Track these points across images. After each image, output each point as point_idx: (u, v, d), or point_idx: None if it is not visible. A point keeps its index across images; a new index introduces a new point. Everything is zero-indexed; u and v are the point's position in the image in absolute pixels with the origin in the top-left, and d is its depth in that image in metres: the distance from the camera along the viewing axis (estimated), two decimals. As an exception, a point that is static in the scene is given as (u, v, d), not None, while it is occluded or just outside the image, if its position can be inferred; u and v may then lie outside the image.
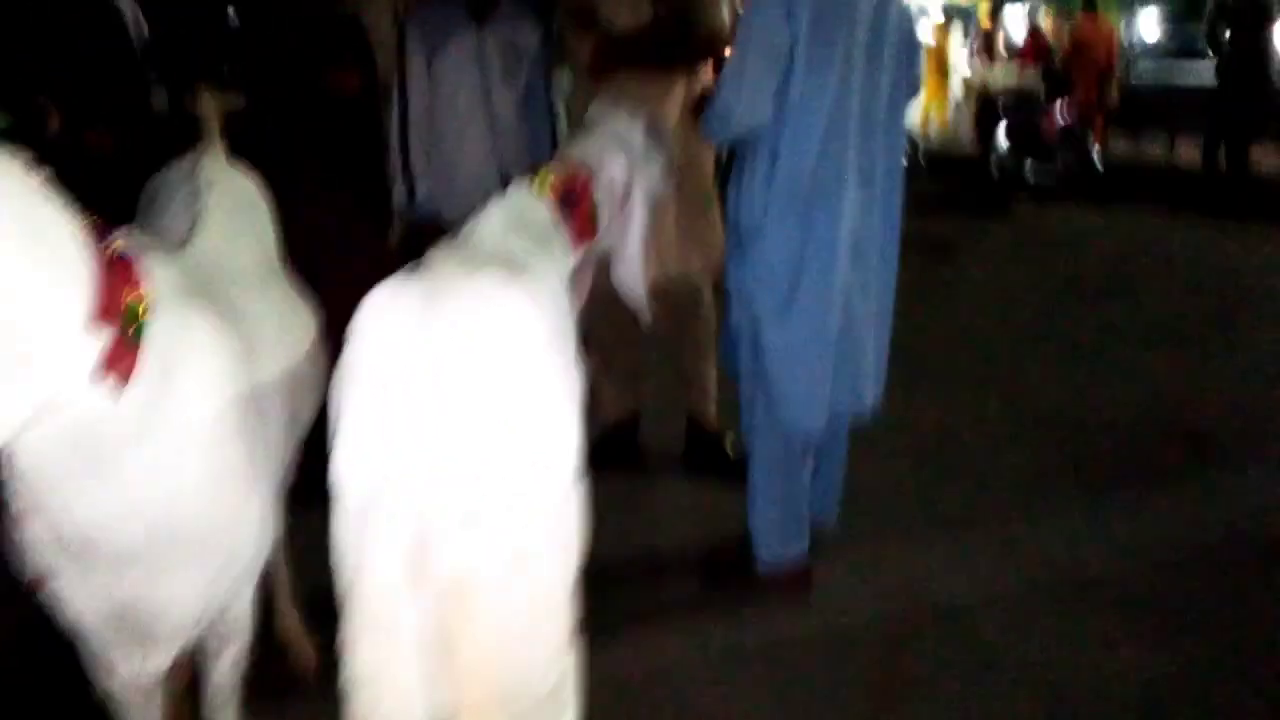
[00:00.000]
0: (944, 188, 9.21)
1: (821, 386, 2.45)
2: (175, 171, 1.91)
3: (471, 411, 1.27)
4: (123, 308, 1.22)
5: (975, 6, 14.49)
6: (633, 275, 2.12)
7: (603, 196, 1.96)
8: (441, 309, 1.29)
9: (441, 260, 1.46)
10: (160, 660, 1.48)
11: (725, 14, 3.10)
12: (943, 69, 12.51)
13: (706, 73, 3.08)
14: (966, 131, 10.92)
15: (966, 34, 13.84)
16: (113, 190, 1.78)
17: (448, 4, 3.10)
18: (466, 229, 1.71)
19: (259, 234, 1.92)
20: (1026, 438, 3.64)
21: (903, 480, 3.29)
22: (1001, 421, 3.80)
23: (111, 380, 1.21)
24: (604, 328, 3.20)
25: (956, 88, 12.96)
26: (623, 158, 2.06)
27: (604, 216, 1.97)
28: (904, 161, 2.68)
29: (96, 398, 1.20)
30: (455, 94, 3.10)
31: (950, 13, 14.06)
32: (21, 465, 1.24)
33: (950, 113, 12.80)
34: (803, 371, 2.43)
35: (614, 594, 2.50)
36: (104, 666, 1.51)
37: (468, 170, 3.11)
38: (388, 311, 1.29)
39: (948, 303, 5.48)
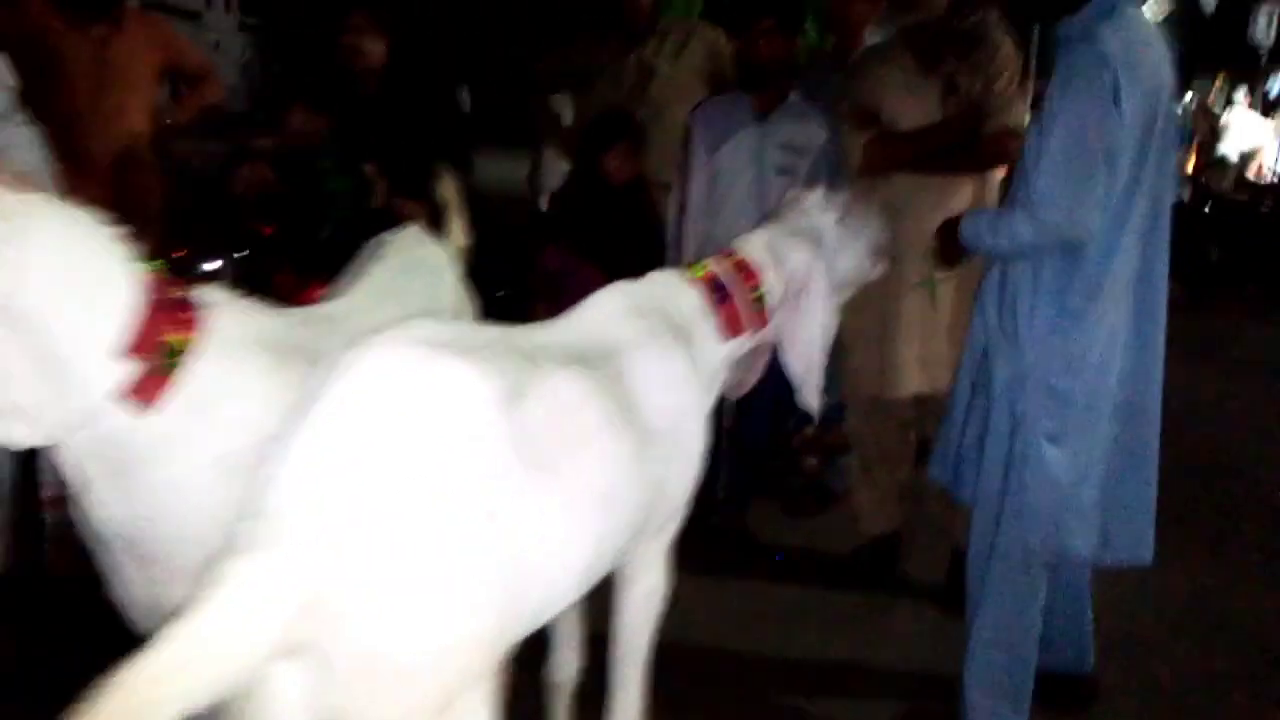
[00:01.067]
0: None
1: (1093, 507, 2.25)
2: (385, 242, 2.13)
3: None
4: (160, 343, 1.42)
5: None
6: (802, 365, 2.09)
7: (776, 286, 2.05)
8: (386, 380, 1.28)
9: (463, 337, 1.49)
10: None
11: (1022, 112, 2.96)
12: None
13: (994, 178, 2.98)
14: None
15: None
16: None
17: (735, 100, 3.25)
18: (580, 308, 1.84)
19: (425, 299, 2.03)
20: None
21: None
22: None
23: (135, 404, 1.39)
24: (867, 438, 3.19)
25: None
26: (807, 249, 2.10)
27: (777, 305, 2.05)
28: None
29: (121, 417, 1.38)
30: (731, 188, 3.20)
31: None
32: (61, 462, 1.43)
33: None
34: (1077, 490, 2.23)
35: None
36: None
37: None
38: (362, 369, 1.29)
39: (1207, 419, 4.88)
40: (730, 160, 3.19)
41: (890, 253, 2.35)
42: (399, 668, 1.20)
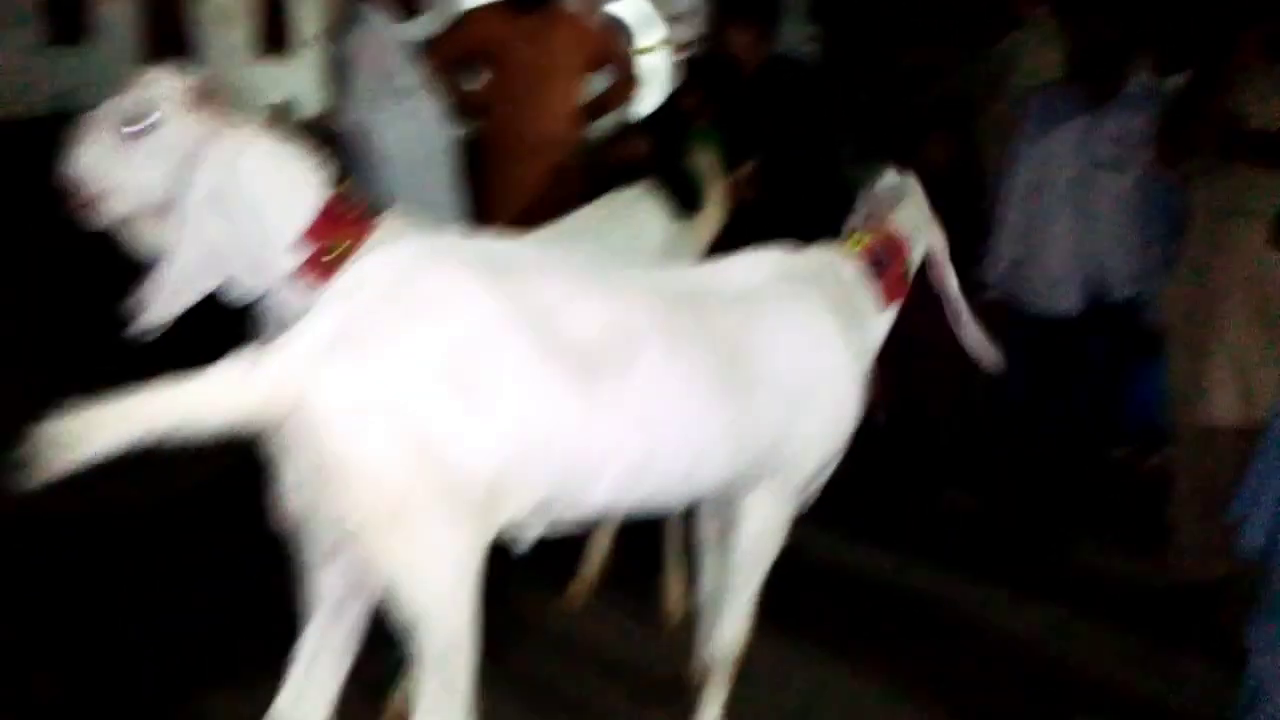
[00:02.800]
0: None
1: None
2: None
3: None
4: (326, 242, 1.93)
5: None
6: (973, 333, 2.32)
7: (917, 261, 2.27)
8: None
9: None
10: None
11: None
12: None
13: None
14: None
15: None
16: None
17: (1068, 88, 3.15)
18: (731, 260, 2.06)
19: (621, 241, 2.48)
20: None
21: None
22: None
23: (301, 284, 1.91)
24: (1193, 468, 2.92)
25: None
26: (937, 230, 2.28)
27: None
28: None
29: (293, 292, 1.90)
30: (1055, 180, 3.13)
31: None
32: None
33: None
34: None
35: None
36: None
37: (1048, 258, 3.15)
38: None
39: None
40: (1056, 151, 3.11)
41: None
42: (344, 472, 1.49)
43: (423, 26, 3.55)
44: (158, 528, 3.26)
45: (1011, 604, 3.02)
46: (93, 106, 2.05)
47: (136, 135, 1.95)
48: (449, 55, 3.57)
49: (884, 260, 2.20)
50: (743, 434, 1.88)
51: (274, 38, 22.35)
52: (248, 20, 22.03)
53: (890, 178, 2.33)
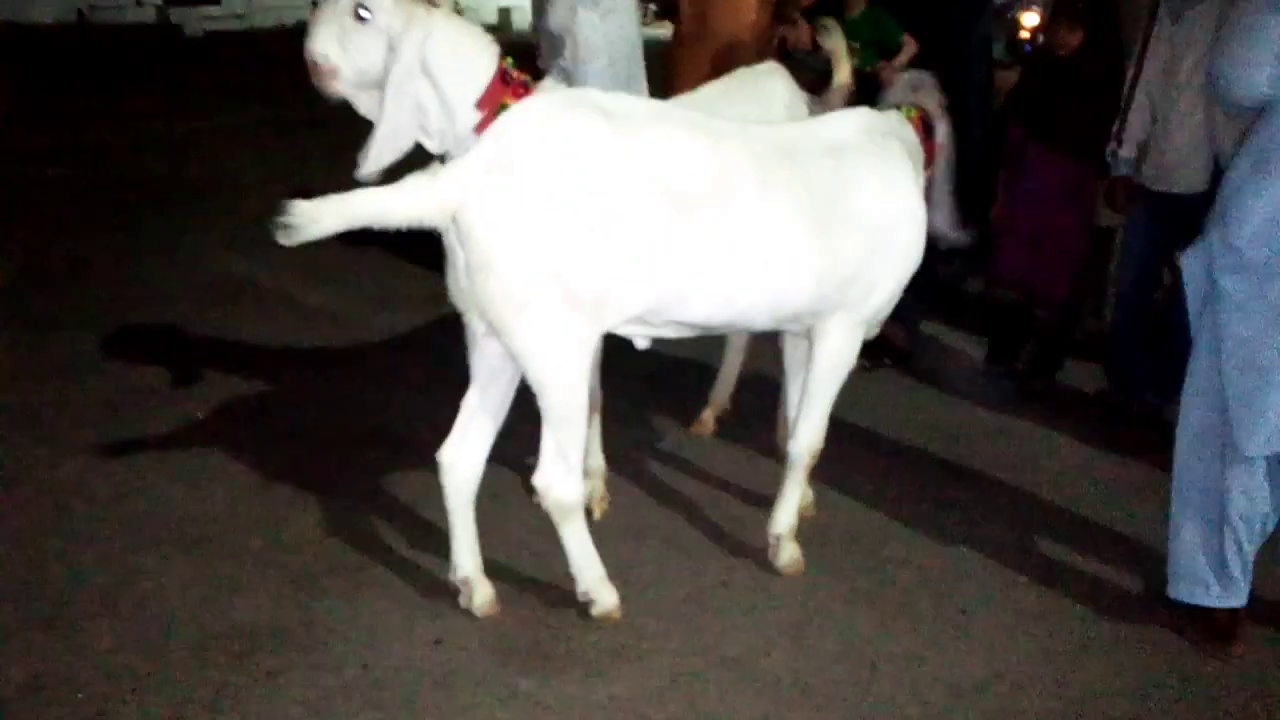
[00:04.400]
0: None
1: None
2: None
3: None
4: (499, 102, 2.35)
5: None
6: (943, 218, 2.62)
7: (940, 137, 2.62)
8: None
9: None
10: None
11: None
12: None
13: None
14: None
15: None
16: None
17: None
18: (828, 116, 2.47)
19: (750, 109, 2.76)
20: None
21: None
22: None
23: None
24: None
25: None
26: (946, 121, 2.60)
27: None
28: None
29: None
30: (1182, 63, 3.19)
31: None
32: None
33: None
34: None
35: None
36: None
37: (1177, 140, 3.25)
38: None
39: None
40: (1186, 34, 3.16)
41: None
42: (487, 265, 1.99)
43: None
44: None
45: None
46: None
47: (361, 21, 2.35)
48: None
49: (928, 131, 2.56)
50: (826, 265, 2.24)
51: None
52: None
53: (914, 74, 2.69)
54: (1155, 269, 3.51)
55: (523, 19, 21.10)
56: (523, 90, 2.44)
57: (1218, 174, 3.16)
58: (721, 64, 3.81)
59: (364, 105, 2.47)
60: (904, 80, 2.70)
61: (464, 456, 2.31)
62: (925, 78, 2.65)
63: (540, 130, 2.02)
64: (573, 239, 1.98)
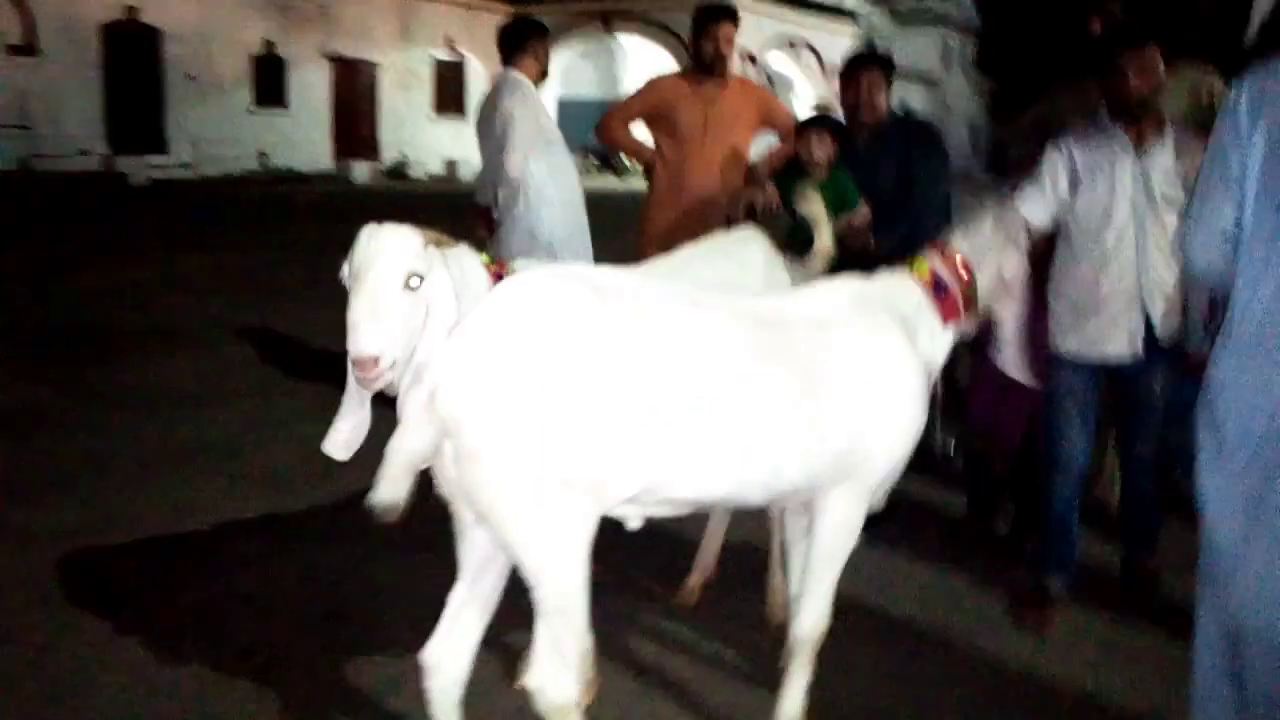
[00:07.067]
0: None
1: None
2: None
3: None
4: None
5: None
6: (1014, 347, 2.59)
7: (984, 283, 2.53)
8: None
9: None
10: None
11: None
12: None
13: None
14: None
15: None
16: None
17: (1110, 131, 3.07)
18: (812, 288, 2.43)
19: (724, 277, 2.75)
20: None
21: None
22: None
23: None
24: None
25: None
26: (1014, 253, 2.58)
27: (986, 298, 2.54)
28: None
29: None
30: (1111, 216, 3.05)
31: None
32: None
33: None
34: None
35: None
36: None
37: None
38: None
39: None
40: (1108, 188, 3.04)
41: None
42: (475, 454, 1.87)
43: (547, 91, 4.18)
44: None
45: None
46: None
47: (412, 290, 2.23)
48: (634, 114, 4.35)
49: (946, 283, 2.48)
50: (817, 442, 2.16)
51: (448, 101, 24.23)
52: (426, 85, 23.99)
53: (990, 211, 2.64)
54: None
55: (468, 170, 21.72)
56: (500, 274, 2.46)
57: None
58: (695, 223, 3.89)
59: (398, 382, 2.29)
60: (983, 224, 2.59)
61: (451, 656, 2.12)
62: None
63: (523, 308, 1.93)
64: (560, 430, 1.86)
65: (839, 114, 3.99)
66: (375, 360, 2.17)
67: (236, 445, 4.58)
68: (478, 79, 24.36)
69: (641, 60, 24.57)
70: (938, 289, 2.48)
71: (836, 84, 4.06)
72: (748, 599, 3.14)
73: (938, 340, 2.48)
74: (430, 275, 2.27)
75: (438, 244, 2.34)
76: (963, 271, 2.51)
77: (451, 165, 22.90)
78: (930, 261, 2.52)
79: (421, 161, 23.07)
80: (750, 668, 2.83)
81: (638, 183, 17.49)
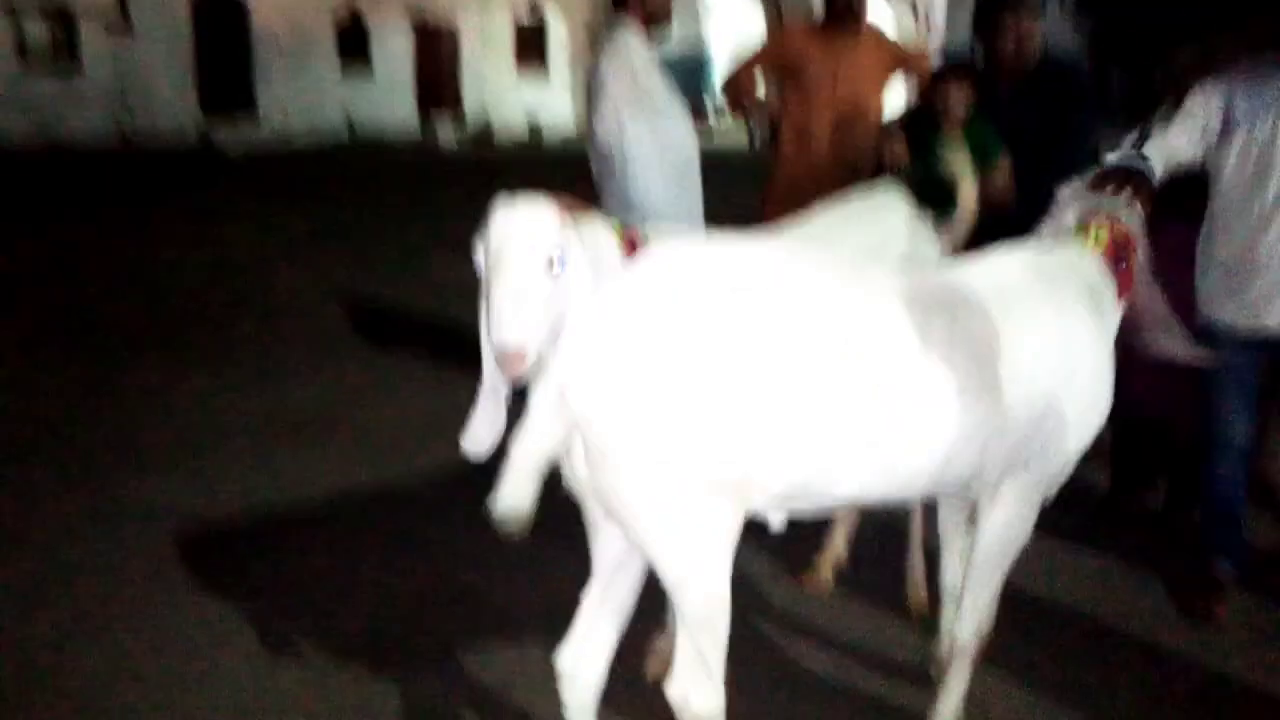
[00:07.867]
0: None
1: None
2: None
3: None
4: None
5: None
6: (1163, 324, 2.32)
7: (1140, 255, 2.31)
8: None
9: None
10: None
11: None
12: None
13: None
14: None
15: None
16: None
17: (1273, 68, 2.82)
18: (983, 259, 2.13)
19: (866, 241, 2.57)
20: None
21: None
22: None
23: None
24: None
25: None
26: (1138, 219, 2.32)
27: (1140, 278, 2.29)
28: None
29: None
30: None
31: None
32: None
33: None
34: None
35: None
36: None
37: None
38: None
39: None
40: (1269, 137, 2.74)
41: None
42: (609, 454, 1.68)
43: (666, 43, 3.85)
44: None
45: None
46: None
47: (554, 276, 2.02)
48: (763, 64, 4.09)
49: (1122, 256, 2.21)
50: (993, 432, 1.91)
51: (530, 63, 24.04)
52: (507, 47, 23.84)
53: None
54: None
55: (553, 135, 21.60)
56: (635, 245, 2.27)
57: None
58: (824, 183, 3.63)
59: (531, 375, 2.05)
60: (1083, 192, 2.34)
61: (587, 662, 1.97)
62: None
63: (662, 289, 1.70)
64: (711, 415, 1.65)
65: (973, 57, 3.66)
66: (521, 353, 1.99)
67: (340, 414, 4.53)
68: (558, 39, 24.11)
69: (727, 15, 23.97)
70: (1117, 261, 2.20)
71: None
72: (884, 586, 2.94)
73: (1110, 318, 2.18)
74: (568, 256, 2.05)
75: (573, 216, 2.13)
76: (1132, 245, 2.23)
77: (535, 130, 22.80)
78: (1104, 230, 2.22)
79: (505, 124, 23.01)
80: (895, 661, 2.64)
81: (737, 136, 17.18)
